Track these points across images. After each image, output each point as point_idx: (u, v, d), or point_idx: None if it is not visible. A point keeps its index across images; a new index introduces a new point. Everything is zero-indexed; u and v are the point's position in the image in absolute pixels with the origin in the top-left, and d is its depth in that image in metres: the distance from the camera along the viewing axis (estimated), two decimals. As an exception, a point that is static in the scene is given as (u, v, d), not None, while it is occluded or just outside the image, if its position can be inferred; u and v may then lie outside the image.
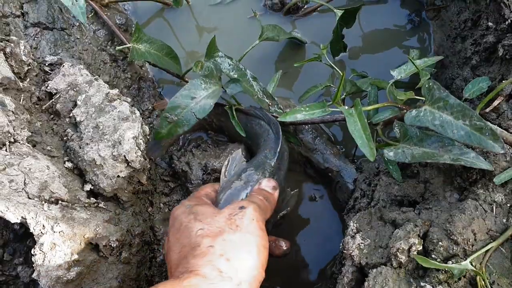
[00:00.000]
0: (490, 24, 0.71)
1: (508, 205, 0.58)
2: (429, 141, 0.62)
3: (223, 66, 0.79)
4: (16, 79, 0.79)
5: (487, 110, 0.64)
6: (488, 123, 0.57)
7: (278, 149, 0.70)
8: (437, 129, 0.58)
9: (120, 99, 0.80)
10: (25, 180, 0.67)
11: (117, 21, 0.99)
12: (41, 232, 0.62)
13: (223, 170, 0.71)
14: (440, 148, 0.61)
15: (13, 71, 0.80)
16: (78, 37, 0.95)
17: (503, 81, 0.63)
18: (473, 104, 0.68)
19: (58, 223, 0.64)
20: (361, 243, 0.61)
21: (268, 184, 0.64)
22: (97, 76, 0.85)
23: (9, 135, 0.71)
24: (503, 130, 0.61)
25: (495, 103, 0.64)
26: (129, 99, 0.83)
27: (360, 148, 0.61)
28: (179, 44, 0.99)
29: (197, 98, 0.73)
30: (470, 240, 0.56)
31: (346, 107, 0.64)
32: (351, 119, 0.62)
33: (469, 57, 0.75)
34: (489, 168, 0.59)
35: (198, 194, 0.66)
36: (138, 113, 0.79)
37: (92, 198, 0.73)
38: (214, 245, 0.52)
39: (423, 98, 0.60)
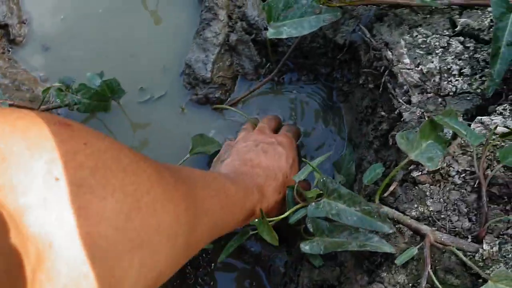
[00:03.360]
0: (383, 113, 0.80)
1: (410, 284, 0.64)
2: (339, 231, 0.69)
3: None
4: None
5: (385, 195, 0.71)
6: (375, 206, 0.65)
7: None
8: (334, 218, 0.65)
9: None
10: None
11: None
12: None
13: None
14: (348, 236, 0.68)
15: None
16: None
17: (396, 167, 0.71)
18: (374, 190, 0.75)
19: None
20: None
21: None
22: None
23: None
24: (400, 213, 0.68)
25: (391, 188, 0.71)
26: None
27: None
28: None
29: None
30: (378, 323, 0.62)
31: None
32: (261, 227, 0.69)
33: (371, 141, 0.83)
34: (392, 251, 0.66)
35: None
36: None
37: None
38: None
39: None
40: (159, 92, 1.07)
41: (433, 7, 0.82)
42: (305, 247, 0.71)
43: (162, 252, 0.43)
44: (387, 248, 0.66)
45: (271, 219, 0.74)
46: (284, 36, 0.88)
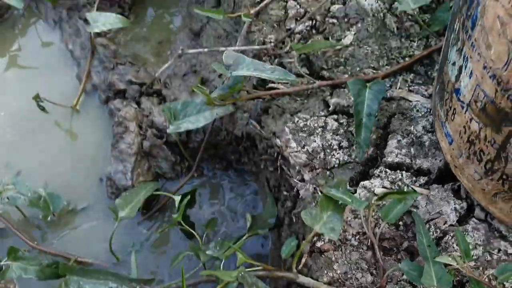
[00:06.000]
0: (285, 192, 0.91)
1: None
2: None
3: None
4: None
5: (300, 267, 0.81)
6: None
7: None
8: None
9: None
10: None
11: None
12: None
13: None
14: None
15: None
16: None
17: (303, 241, 0.81)
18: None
19: None
20: None
21: None
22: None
23: None
24: (315, 281, 0.78)
25: (303, 260, 0.81)
26: None
27: None
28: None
29: None
30: None
31: None
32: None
33: (283, 217, 0.94)
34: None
35: None
36: None
37: None
38: None
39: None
40: (82, 203, 1.14)
41: (309, 92, 0.96)
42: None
43: None
44: None
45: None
46: (182, 130, 0.98)
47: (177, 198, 0.99)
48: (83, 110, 1.28)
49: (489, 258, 0.73)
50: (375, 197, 0.79)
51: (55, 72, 1.35)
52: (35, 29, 1.46)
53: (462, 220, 0.78)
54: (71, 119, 1.28)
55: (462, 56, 0.63)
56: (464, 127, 0.67)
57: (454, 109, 0.69)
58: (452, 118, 0.70)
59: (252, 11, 1.05)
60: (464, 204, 0.78)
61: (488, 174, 0.67)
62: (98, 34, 1.33)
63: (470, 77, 0.62)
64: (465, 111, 0.66)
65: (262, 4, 1.06)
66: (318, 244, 0.80)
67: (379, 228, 0.78)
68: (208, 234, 1.02)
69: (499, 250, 0.73)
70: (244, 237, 0.94)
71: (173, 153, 1.15)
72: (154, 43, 1.37)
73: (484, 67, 0.57)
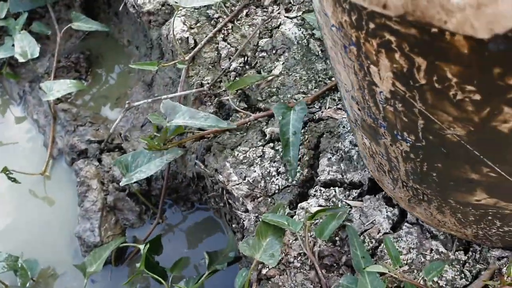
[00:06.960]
0: (234, 225, 0.94)
1: None
2: None
3: None
4: None
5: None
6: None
7: None
8: None
9: None
10: None
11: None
12: None
13: None
14: None
15: None
16: None
17: (249, 271, 0.83)
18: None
19: None
20: None
21: None
22: None
23: None
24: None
25: (254, 289, 0.83)
26: None
27: None
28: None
29: None
30: None
31: None
32: None
33: (239, 249, 0.96)
34: None
35: None
36: None
37: None
38: None
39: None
40: (62, 267, 1.17)
41: (248, 125, 1.00)
42: None
43: None
44: None
45: None
46: (134, 180, 1.01)
47: (142, 247, 1.03)
48: (53, 176, 1.33)
49: (422, 259, 0.74)
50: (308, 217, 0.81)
51: (24, 143, 1.41)
52: (4, 107, 1.53)
53: (396, 226, 0.80)
54: (44, 186, 1.33)
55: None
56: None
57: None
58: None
59: (187, 57, 1.09)
60: (396, 211, 0.80)
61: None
62: (59, 100, 1.39)
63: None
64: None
65: (195, 49, 1.11)
66: (264, 271, 0.82)
67: (317, 246, 0.80)
68: (175, 276, 1.04)
69: (431, 250, 0.75)
70: (204, 276, 0.96)
71: (137, 203, 1.19)
72: (113, 100, 1.42)
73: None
